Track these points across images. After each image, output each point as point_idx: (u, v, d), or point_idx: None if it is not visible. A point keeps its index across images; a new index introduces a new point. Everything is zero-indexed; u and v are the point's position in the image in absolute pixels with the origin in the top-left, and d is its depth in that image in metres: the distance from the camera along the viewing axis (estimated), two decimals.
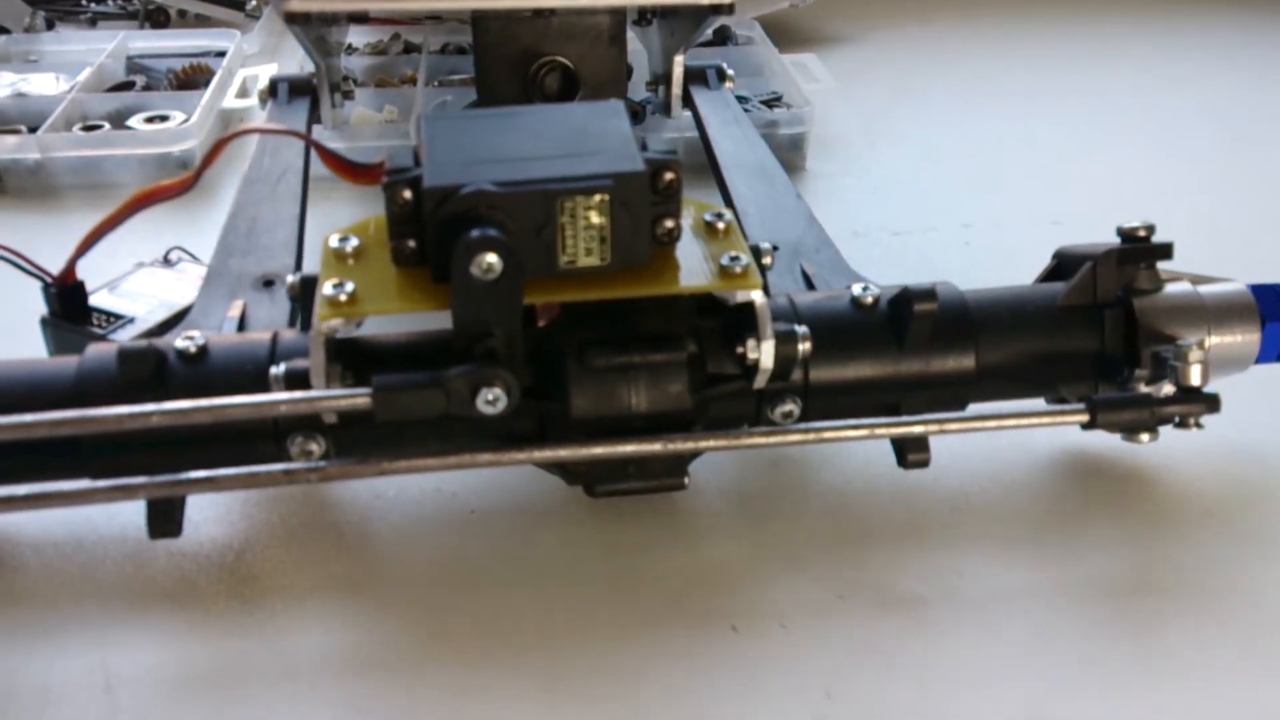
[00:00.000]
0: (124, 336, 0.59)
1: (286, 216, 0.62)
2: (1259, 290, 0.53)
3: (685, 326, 0.47)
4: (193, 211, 0.76)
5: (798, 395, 0.49)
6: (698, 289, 0.45)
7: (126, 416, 0.42)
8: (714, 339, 0.48)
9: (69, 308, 0.58)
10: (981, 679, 0.45)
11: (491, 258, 0.41)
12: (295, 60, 1.03)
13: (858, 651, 0.46)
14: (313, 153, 0.60)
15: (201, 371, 0.47)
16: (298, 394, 0.43)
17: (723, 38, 1.06)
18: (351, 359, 0.45)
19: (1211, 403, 0.49)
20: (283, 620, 0.46)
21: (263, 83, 0.93)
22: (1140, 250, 0.52)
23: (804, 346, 0.46)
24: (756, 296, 0.45)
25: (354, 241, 0.46)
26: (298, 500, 0.52)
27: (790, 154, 0.87)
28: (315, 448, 0.46)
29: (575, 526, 0.52)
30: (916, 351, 0.50)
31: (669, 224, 0.45)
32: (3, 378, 0.47)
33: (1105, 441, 0.54)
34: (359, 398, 0.43)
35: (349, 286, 0.44)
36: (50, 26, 1.13)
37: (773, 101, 0.93)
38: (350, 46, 1.06)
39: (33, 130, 0.85)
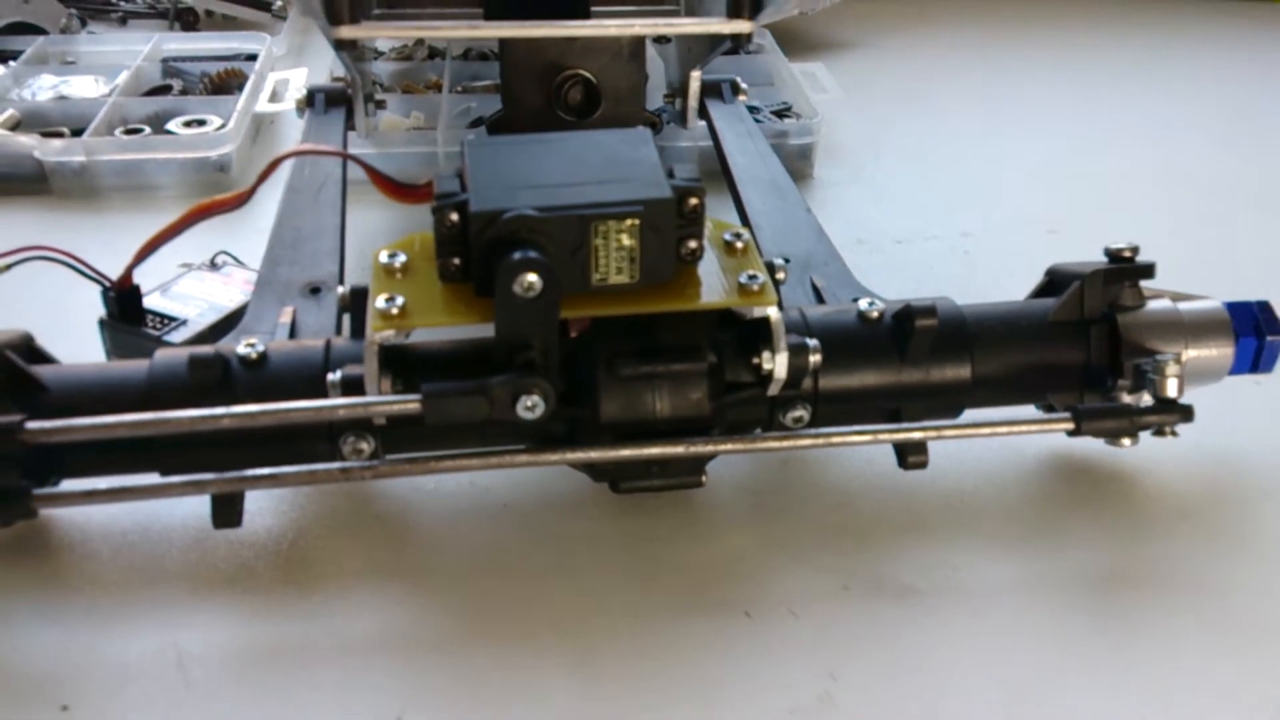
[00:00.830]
0: (177, 338, 0.63)
1: (328, 226, 0.66)
2: (1233, 307, 0.57)
3: (705, 338, 0.51)
4: (230, 216, 0.80)
5: (808, 402, 0.53)
6: (718, 305, 0.49)
7: (201, 419, 0.47)
8: (731, 350, 0.51)
9: (126, 310, 0.62)
10: (973, 663, 0.49)
11: (532, 277, 0.45)
12: (321, 62, 1.07)
13: (860, 637, 0.50)
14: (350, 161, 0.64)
15: (262, 376, 0.51)
16: (355, 399, 0.48)
17: (735, 46, 1.10)
18: (400, 366, 0.49)
19: (1186, 413, 0.53)
20: (336, 604, 0.51)
21: (294, 87, 0.97)
22: (1125, 270, 0.56)
23: (815, 358, 0.51)
24: (772, 313, 0.49)
25: (402, 257, 0.50)
26: (344, 494, 0.57)
27: (799, 163, 0.92)
28: (365, 446, 0.50)
29: (601, 520, 0.56)
30: (917, 363, 0.54)
31: (692, 244, 0.49)
32: (80, 380, 0.51)
33: (1089, 446, 0.59)
34: (410, 403, 0.47)
35: (399, 300, 0.48)
36: (83, 24, 1.16)
37: (783, 112, 0.97)
38: (376, 51, 1.10)
39: (75, 132, 0.89)
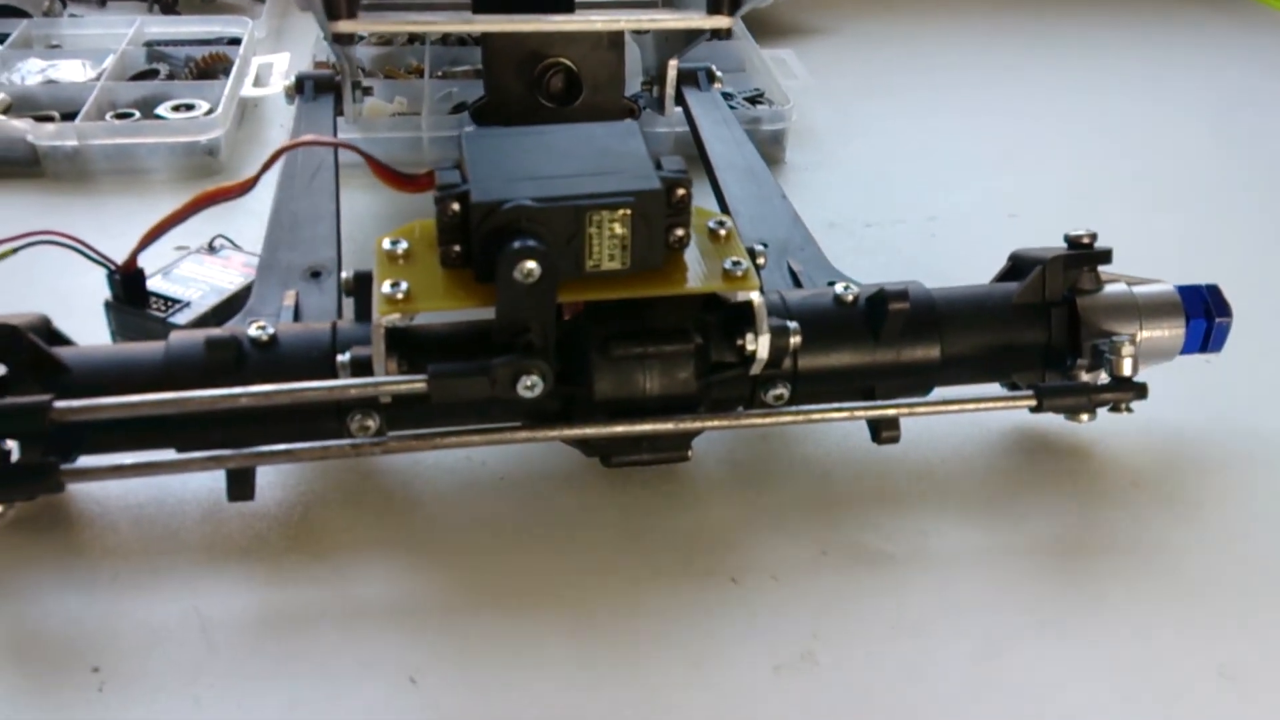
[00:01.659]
0: (182, 320, 0.65)
1: (325, 212, 0.69)
2: (1184, 291, 0.61)
3: (692, 321, 0.54)
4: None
5: (788, 380, 0.56)
6: (704, 290, 0.52)
7: (220, 398, 0.49)
8: (716, 332, 0.55)
9: (131, 293, 0.65)
10: (943, 623, 0.53)
11: (532, 264, 0.48)
12: (302, 46, 1.09)
13: (838, 600, 0.53)
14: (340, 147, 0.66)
15: (273, 357, 0.53)
16: (365, 379, 0.51)
17: (713, 36, 1.13)
18: (405, 348, 0.52)
19: (1140, 390, 0.57)
20: (348, 571, 0.54)
21: (277, 72, 0.99)
22: (1083, 256, 0.59)
23: (795, 340, 0.54)
24: (755, 297, 0.53)
25: (404, 244, 0.53)
26: (349, 468, 0.59)
27: (771, 148, 0.95)
28: (372, 423, 0.53)
29: (592, 492, 0.59)
30: (890, 343, 0.57)
31: (680, 232, 0.52)
32: (99, 361, 0.53)
33: (1050, 421, 0.62)
34: (417, 383, 0.50)
35: (404, 286, 0.51)
36: (64, 6, 1.17)
37: (756, 98, 1.00)
38: (358, 37, 1.11)
39: (65, 116, 0.91)
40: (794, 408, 0.56)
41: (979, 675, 0.50)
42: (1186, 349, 0.61)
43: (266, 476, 0.58)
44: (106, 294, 0.65)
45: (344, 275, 0.56)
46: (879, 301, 0.57)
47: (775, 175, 0.76)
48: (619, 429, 0.53)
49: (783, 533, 0.57)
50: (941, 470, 0.62)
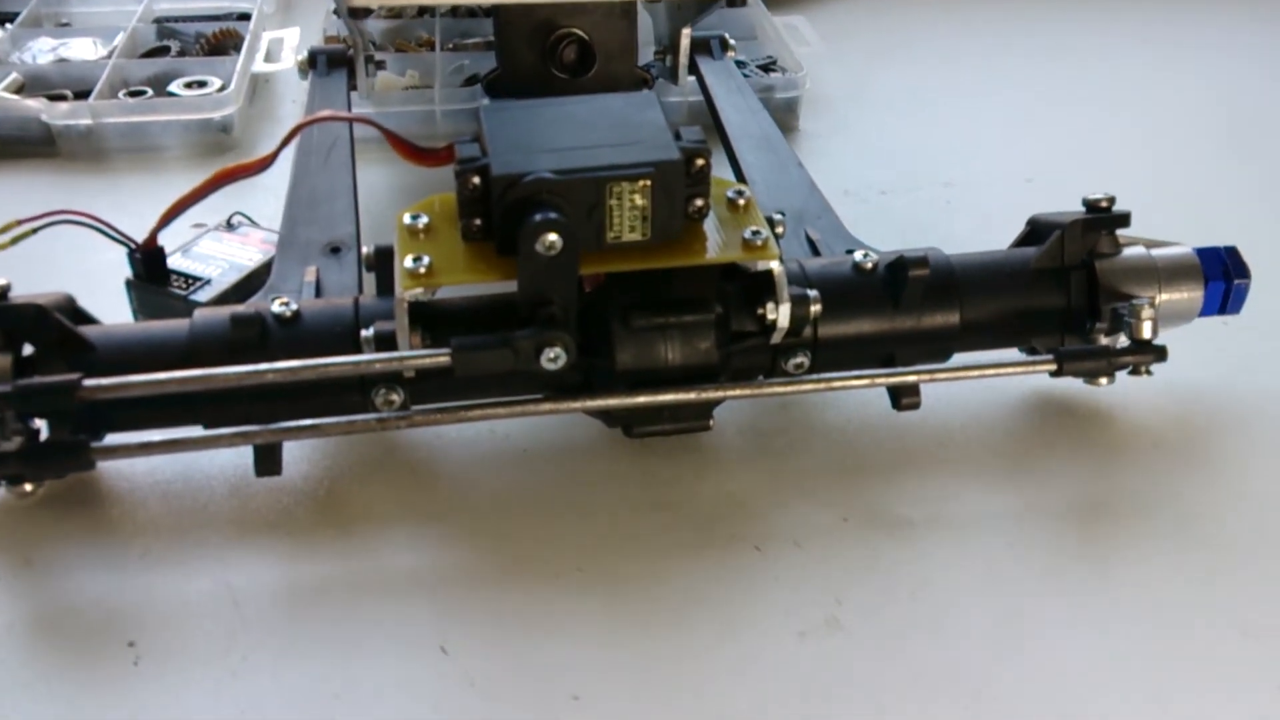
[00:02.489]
0: (203, 297, 0.66)
1: (342, 187, 0.69)
2: (1202, 253, 0.61)
3: (712, 291, 0.54)
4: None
5: (808, 349, 0.57)
6: (725, 259, 0.52)
7: (247, 374, 0.50)
8: (736, 301, 0.55)
9: (152, 271, 0.65)
10: (965, 587, 0.53)
11: (553, 237, 0.48)
12: (311, 19, 1.08)
13: (861, 565, 0.54)
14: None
15: (297, 332, 0.54)
16: (390, 354, 0.51)
17: (729, 4, 1.12)
18: (428, 322, 0.52)
19: (1160, 353, 0.57)
20: (375, 543, 0.54)
21: (288, 47, 0.99)
22: (1102, 219, 0.59)
23: (815, 308, 0.54)
24: (775, 266, 0.53)
25: (424, 219, 0.53)
26: (373, 442, 0.60)
27: (785, 116, 0.94)
28: (396, 398, 0.54)
29: (615, 463, 0.59)
30: (909, 310, 0.58)
31: (699, 203, 0.52)
32: (124, 339, 0.54)
33: (1069, 385, 0.63)
34: (441, 356, 0.51)
35: (426, 260, 0.51)
36: None
37: (769, 66, 0.99)
38: (368, 10, 1.11)
39: (78, 95, 0.91)
40: (814, 376, 0.56)
41: (1002, 638, 0.50)
42: (1205, 311, 0.61)
43: (292, 452, 0.58)
44: (127, 273, 0.65)
45: (365, 250, 0.57)
46: (898, 268, 0.57)
47: (789, 144, 0.76)
48: (641, 399, 0.53)
49: (805, 500, 0.57)
50: (961, 436, 0.62)
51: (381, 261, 0.56)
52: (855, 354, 0.58)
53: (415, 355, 0.51)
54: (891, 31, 1.19)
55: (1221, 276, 0.60)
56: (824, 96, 1.02)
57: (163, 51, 1.00)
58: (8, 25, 1.02)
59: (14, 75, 0.92)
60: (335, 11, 0.95)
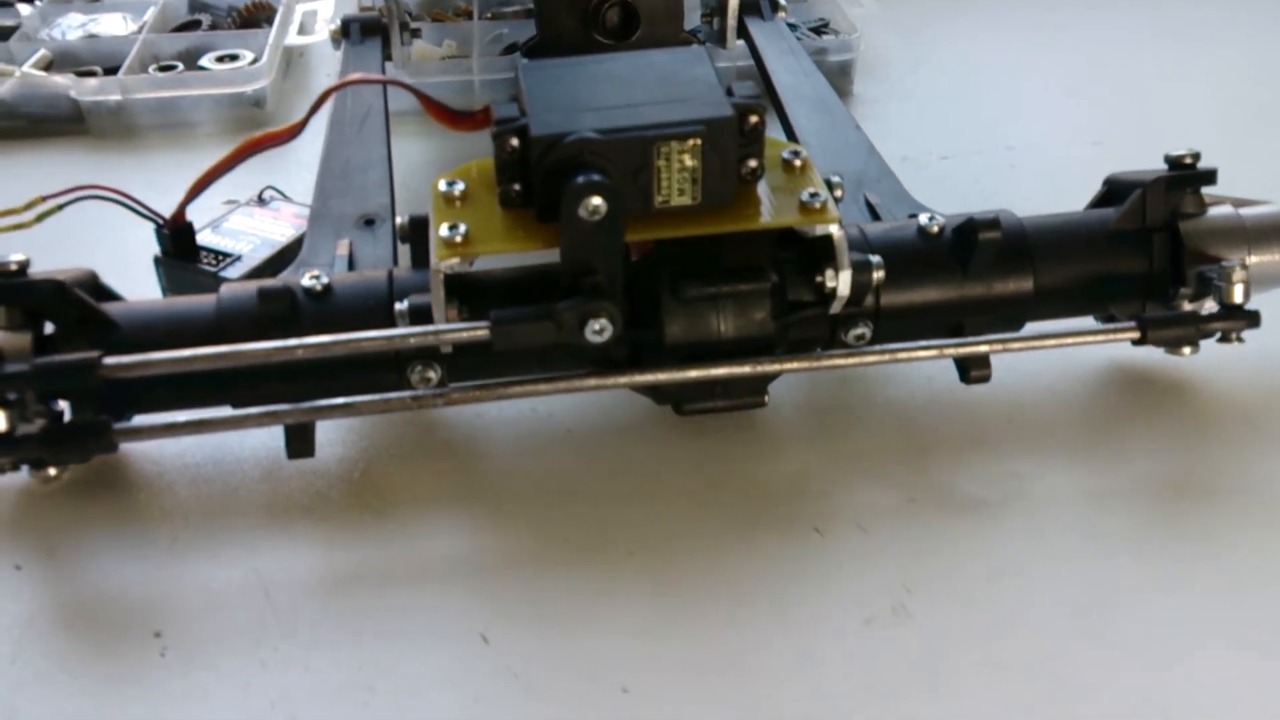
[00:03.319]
0: (234, 273, 0.63)
1: (376, 158, 0.66)
2: None
3: (767, 258, 0.51)
4: (268, 150, 0.80)
5: (869, 319, 0.53)
6: (780, 224, 0.49)
7: (276, 350, 0.47)
8: (792, 269, 0.51)
9: (180, 247, 0.63)
10: (1040, 572, 0.49)
11: (597, 200, 0.45)
12: None
13: (929, 550, 0.50)
14: (390, 90, 0.64)
15: (328, 307, 0.51)
16: (425, 328, 0.48)
17: None
18: (465, 294, 0.49)
19: (1253, 318, 0.53)
20: (413, 528, 0.51)
21: (321, 19, 0.97)
22: (1187, 177, 0.56)
23: (878, 275, 0.51)
24: (834, 230, 0.49)
25: (460, 185, 0.50)
26: (409, 421, 0.57)
27: (839, 80, 0.90)
28: (433, 375, 0.51)
29: (664, 443, 0.56)
30: (979, 276, 0.54)
31: (753, 163, 0.49)
32: (149, 316, 0.52)
33: (1149, 356, 0.59)
34: (479, 330, 0.48)
35: (462, 228, 0.48)
36: None
37: (820, 28, 0.95)
38: None
39: (107, 71, 0.89)
40: (877, 347, 0.53)
41: (1081, 628, 0.47)
42: None
43: (325, 433, 0.56)
44: (156, 250, 0.63)
45: (399, 220, 0.54)
46: (968, 231, 0.53)
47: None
48: (692, 374, 0.50)
49: (867, 480, 0.54)
50: (1034, 410, 0.58)
51: (417, 232, 0.53)
52: (921, 324, 0.54)
53: (452, 329, 0.48)
54: None
55: None
56: (878, 59, 0.98)
57: (194, 25, 0.98)
58: (37, 2, 1.00)
59: (42, 52, 0.91)
60: None
